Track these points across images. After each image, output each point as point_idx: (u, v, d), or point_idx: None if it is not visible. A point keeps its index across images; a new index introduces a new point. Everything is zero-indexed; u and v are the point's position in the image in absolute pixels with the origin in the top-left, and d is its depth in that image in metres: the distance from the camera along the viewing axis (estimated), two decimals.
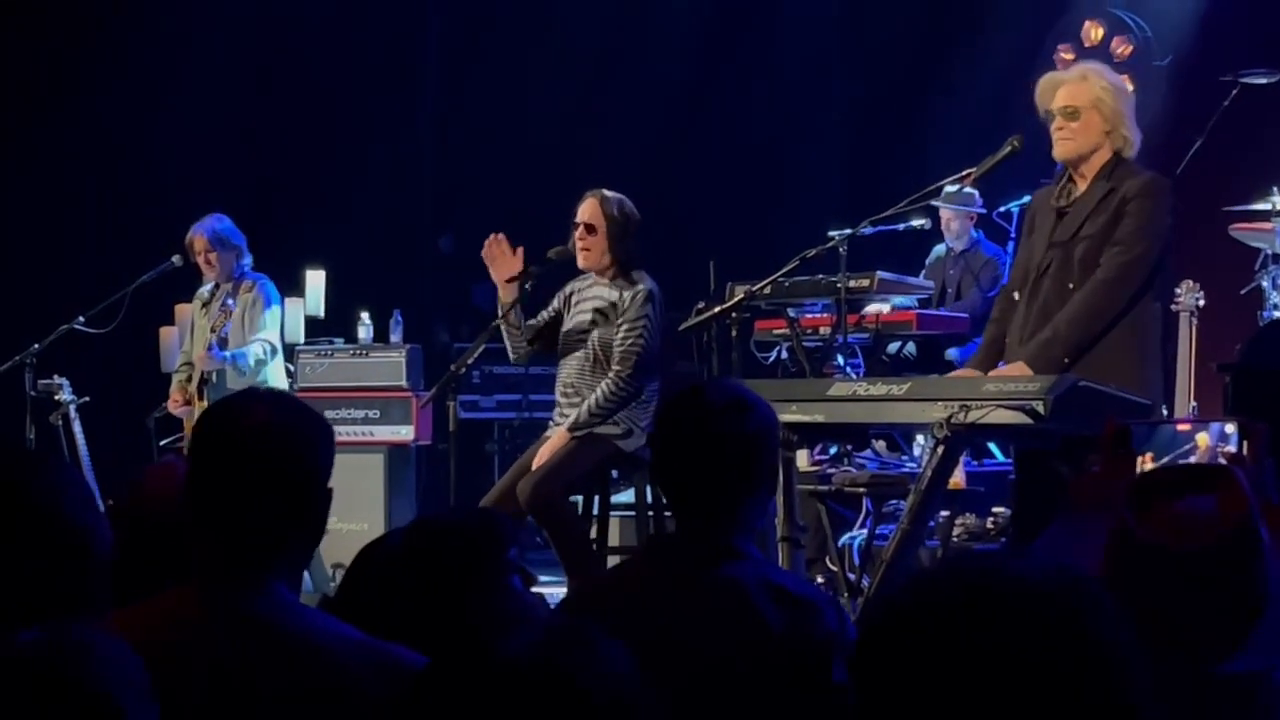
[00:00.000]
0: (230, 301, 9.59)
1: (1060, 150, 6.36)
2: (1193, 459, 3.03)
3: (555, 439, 7.93)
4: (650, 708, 2.06)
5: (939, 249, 11.03)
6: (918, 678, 1.70)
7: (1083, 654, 1.68)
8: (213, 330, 9.48)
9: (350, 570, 3.71)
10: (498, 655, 2.01)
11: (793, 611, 3.48)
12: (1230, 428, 3.10)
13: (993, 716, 1.67)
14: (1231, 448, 3.06)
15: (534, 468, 7.87)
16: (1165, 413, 7.82)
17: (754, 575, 3.55)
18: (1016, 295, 6.49)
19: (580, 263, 8.12)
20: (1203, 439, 3.13)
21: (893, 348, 9.93)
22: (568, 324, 8.18)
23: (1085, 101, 6.31)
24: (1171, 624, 2.47)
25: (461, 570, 3.26)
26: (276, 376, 9.85)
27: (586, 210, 8.08)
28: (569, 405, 8.05)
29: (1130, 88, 12.35)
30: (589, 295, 8.15)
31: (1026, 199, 9.60)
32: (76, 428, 10.05)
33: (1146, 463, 3.13)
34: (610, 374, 7.91)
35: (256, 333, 9.71)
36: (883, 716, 1.73)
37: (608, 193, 8.13)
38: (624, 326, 7.95)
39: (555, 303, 8.32)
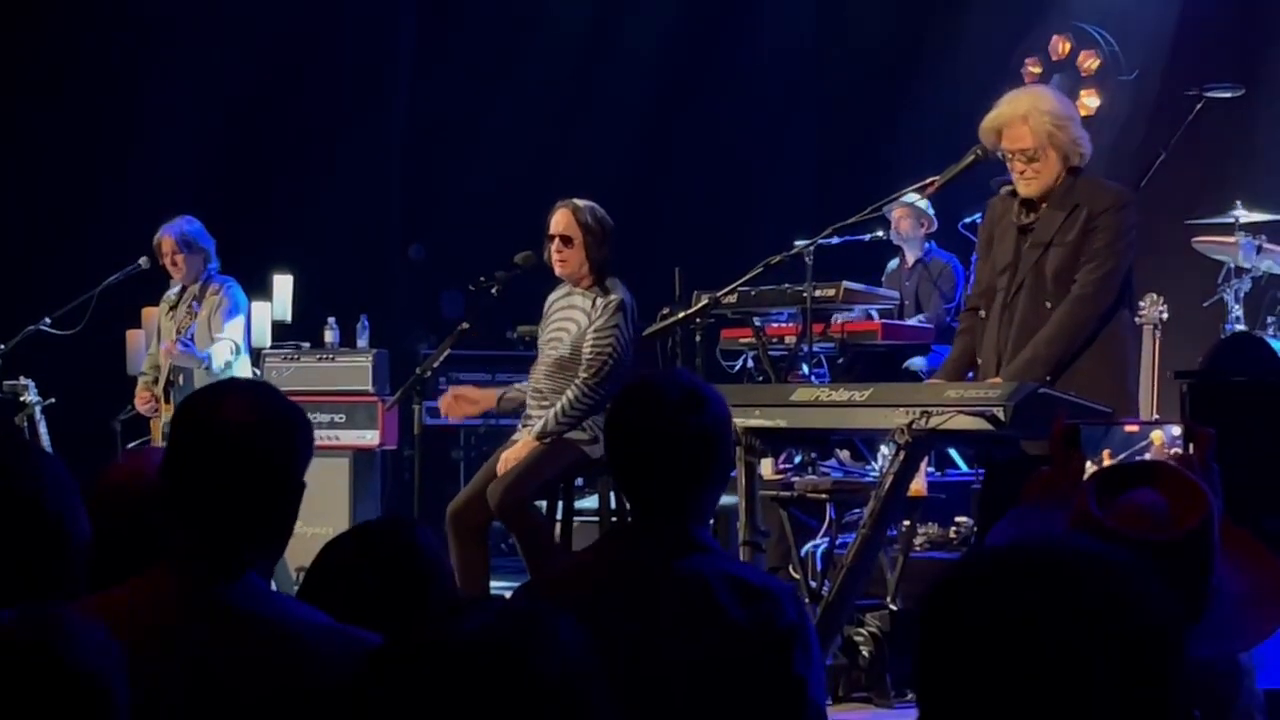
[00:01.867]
0: (196, 304, 9.58)
1: (1028, 190, 6.33)
2: (1148, 455, 3.08)
3: (522, 444, 7.93)
4: (603, 688, 2.08)
5: (893, 262, 11.08)
6: (977, 645, 1.74)
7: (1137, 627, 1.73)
8: (179, 331, 9.47)
9: (311, 569, 3.74)
10: (451, 634, 2.03)
11: (754, 603, 3.49)
12: (1176, 430, 3.14)
13: (1049, 685, 1.71)
14: (1179, 449, 3.10)
15: (500, 472, 7.88)
16: (1156, 418, 7.88)
17: (715, 567, 3.55)
18: (983, 314, 6.48)
19: (558, 272, 8.12)
20: (1157, 436, 3.18)
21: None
22: (544, 334, 8.19)
23: (1040, 141, 6.27)
24: None
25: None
26: (241, 376, 9.84)
27: (560, 222, 8.06)
28: (538, 409, 8.06)
29: (1098, 101, 12.47)
30: (564, 304, 8.16)
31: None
32: (42, 429, 10.03)
33: (1106, 459, 3.19)
34: (578, 379, 7.91)
35: (220, 334, 9.69)
36: (942, 684, 1.76)
37: (579, 202, 8.11)
38: (593, 333, 7.96)
39: (542, 322, 8.35)
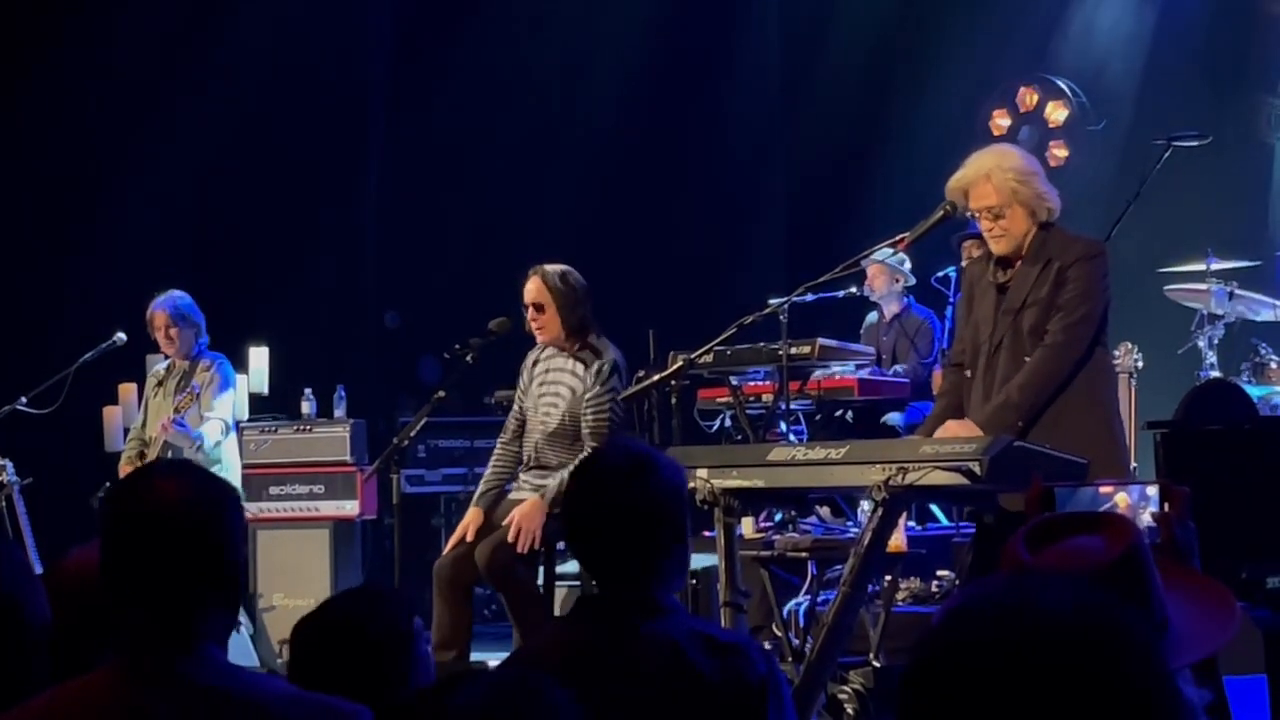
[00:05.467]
0: (195, 385, 9.55)
1: (999, 248, 6.38)
2: None
3: (530, 503, 7.87)
4: None
5: (871, 316, 11.11)
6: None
7: (1122, 693, 1.71)
8: (177, 410, 9.45)
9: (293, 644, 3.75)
10: (449, 705, 2.04)
11: (723, 659, 3.54)
12: (1151, 489, 3.17)
13: None
14: (1153, 509, 3.13)
15: (511, 535, 7.84)
16: (1135, 466, 7.91)
17: (682, 628, 3.60)
18: (969, 373, 6.50)
19: (539, 340, 8.13)
20: (1122, 499, 3.20)
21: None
22: (532, 397, 8.16)
23: (1005, 199, 6.30)
24: None
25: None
26: (230, 455, 9.84)
27: (531, 290, 8.08)
28: (537, 476, 8.03)
29: (1067, 152, 12.53)
30: (554, 367, 8.13)
31: (964, 263, 9.71)
32: (20, 508, 9.99)
33: None
34: (585, 450, 7.89)
35: (211, 412, 9.67)
36: None
37: (549, 267, 8.12)
38: (591, 402, 7.95)
39: (521, 381, 8.31)
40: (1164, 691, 1.72)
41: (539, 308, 8.04)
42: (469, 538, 7.98)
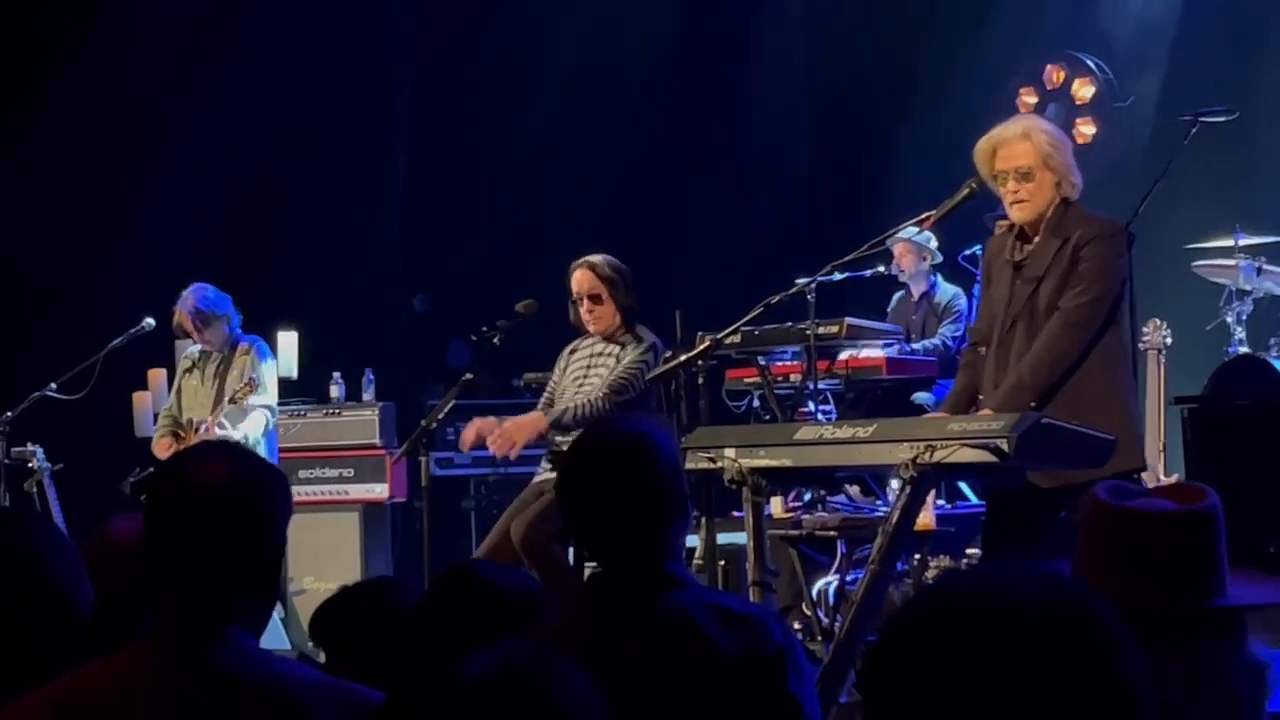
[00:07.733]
0: (254, 376, 9.55)
1: (1019, 214, 6.32)
2: None
3: (526, 417, 8.01)
4: None
5: (899, 295, 11.09)
6: (921, 708, 1.73)
7: (1084, 680, 1.70)
8: (233, 402, 9.47)
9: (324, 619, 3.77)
10: (460, 678, 2.05)
11: (740, 630, 3.51)
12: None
13: None
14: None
15: (501, 434, 7.91)
16: (1163, 443, 7.89)
17: (696, 600, 3.58)
18: (983, 350, 6.49)
19: (592, 330, 8.18)
20: None
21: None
22: (568, 378, 8.22)
23: (1036, 160, 6.24)
24: (1146, 580, 2.58)
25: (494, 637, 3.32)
26: (271, 441, 9.85)
27: (584, 282, 8.13)
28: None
29: (1094, 129, 12.50)
30: (597, 352, 8.21)
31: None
32: (51, 494, 10.03)
33: None
34: (600, 392, 7.96)
35: (254, 403, 9.66)
36: None
37: (595, 258, 8.17)
38: (623, 364, 8.04)
39: (557, 365, 8.37)
40: (1130, 680, 1.72)
41: (595, 298, 8.09)
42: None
